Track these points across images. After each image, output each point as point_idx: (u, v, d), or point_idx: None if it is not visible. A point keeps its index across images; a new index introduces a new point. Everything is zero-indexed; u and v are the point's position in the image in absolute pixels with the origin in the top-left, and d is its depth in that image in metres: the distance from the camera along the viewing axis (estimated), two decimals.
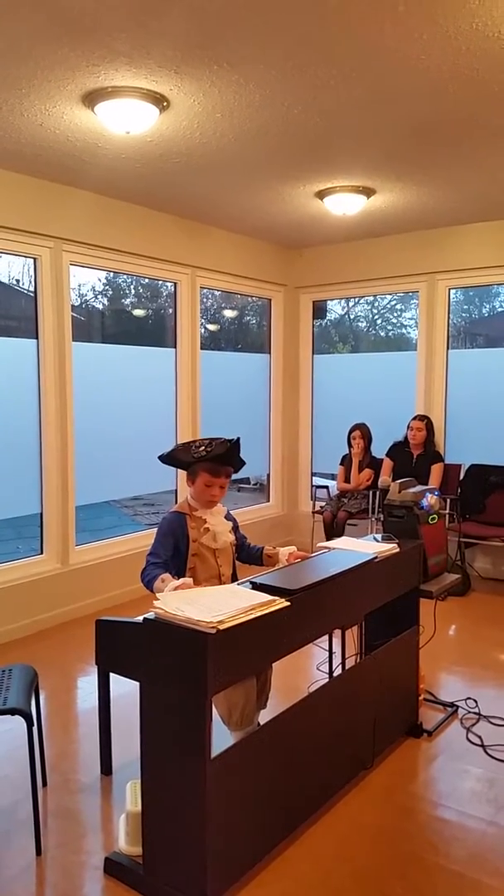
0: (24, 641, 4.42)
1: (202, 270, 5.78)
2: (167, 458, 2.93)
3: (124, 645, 2.70)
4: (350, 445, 6.09)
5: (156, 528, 2.88)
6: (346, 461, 6.15)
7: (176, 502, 5.74)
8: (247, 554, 3.05)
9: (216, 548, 2.87)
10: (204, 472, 2.82)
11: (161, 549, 2.78)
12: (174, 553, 2.80)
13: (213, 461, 2.81)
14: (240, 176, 4.43)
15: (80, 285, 10.33)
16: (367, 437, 6.02)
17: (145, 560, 2.78)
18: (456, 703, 3.50)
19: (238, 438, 2.86)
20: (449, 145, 3.88)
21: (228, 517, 2.99)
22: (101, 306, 10.73)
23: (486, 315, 10.67)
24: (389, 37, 2.70)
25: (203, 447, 2.82)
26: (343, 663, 3.44)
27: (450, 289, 5.97)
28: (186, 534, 2.83)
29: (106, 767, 2.91)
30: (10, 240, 4.39)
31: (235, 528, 3.01)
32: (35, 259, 4.59)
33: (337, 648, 3.48)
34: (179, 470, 5.58)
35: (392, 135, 3.73)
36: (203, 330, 6.40)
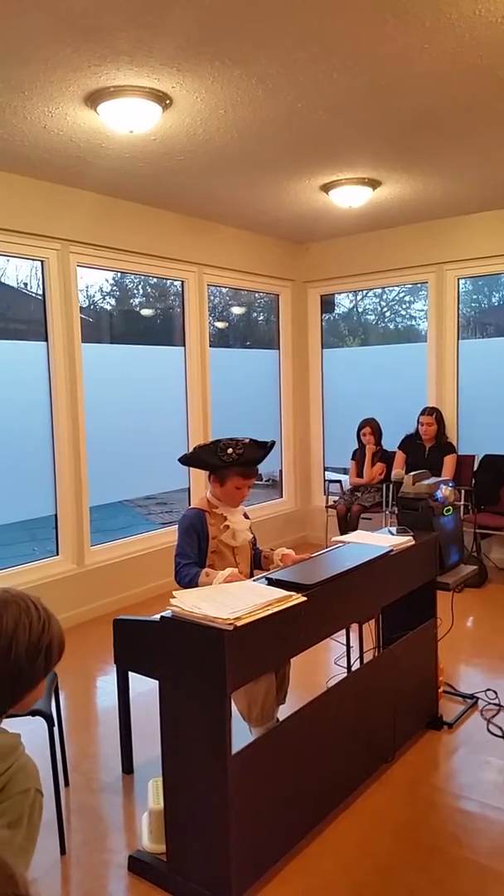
0: None
1: (209, 268, 5.77)
2: (191, 460, 2.91)
3: (142, 644, 2.70)
4: (360, 442, 6.07)
5: (176, 527, 2.87)
6: (357, 455, 6.13)
7: (189, 500, 5.77)
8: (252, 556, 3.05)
9: (235, 545, 2.88)
10: (236, 475, 2.83)
11: (188, 547, 2.79)
12: (198, 549, 2.81)
13: (245, 465, 2.81)
14: (244, 171, 4.42)
15: (87, 286, 10.36)
16: (376, 432, 6.00)
17: (175, 562, 2.78)
18: (475, 695, 3.48)
19: (273, 442, 2.88)
20: (454, 134, 3.85)
21: (246, 516, 2.99)
22: (109, 307, 10.75)
23: (496, 304, 10.61)
24: (391, 26, 2.68)
25: (231, 449, 2.79)
26: (361, 657, 3.44)
27: (458, 278, 5.93)
28: (206, 531, 2.83)
29: (127, 766, 2.93)
30: (18, 243, 4.40)
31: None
32: (42, 262, 4.60)
33: (355, 643, 3.47)
34: (192, 469, 5.64)
35: (396, 125, 3.71)
36: (211, 327, 6.39)
